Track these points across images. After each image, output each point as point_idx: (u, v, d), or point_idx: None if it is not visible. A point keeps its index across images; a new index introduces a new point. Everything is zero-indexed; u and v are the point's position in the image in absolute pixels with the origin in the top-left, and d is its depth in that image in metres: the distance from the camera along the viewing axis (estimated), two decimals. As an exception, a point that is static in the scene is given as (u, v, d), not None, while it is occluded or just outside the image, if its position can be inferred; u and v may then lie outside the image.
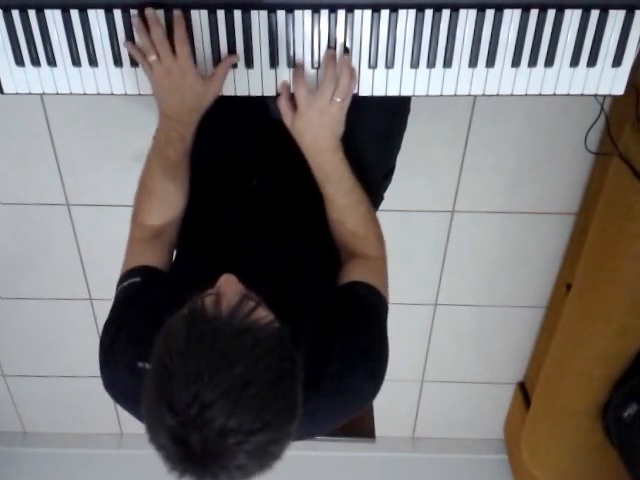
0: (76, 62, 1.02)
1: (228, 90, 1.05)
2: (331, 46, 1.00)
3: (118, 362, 0.95)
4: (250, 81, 1.04)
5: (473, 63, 1.02)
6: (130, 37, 0.99)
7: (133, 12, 0.97)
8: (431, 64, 1.02)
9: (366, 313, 1.01)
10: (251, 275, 0.85)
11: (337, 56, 1.00)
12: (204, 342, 0.70)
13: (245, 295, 0.77)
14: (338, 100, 0.98)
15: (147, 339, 0.92)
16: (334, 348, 0.94)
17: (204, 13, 0.98)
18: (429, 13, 0.97)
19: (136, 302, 1.00)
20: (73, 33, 0.99)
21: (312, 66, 1.02)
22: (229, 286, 0.81)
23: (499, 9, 0.97)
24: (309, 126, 0.99)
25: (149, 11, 0.95)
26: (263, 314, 0.76)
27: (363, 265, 1.09)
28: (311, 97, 0.98)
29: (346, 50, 1.00)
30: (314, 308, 0.98)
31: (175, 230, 1.15)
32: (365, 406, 1.02)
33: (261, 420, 0.70)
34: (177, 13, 0.96)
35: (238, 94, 1.05)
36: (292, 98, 1.01)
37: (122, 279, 1.05)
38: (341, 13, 0.97)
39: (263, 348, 0.72)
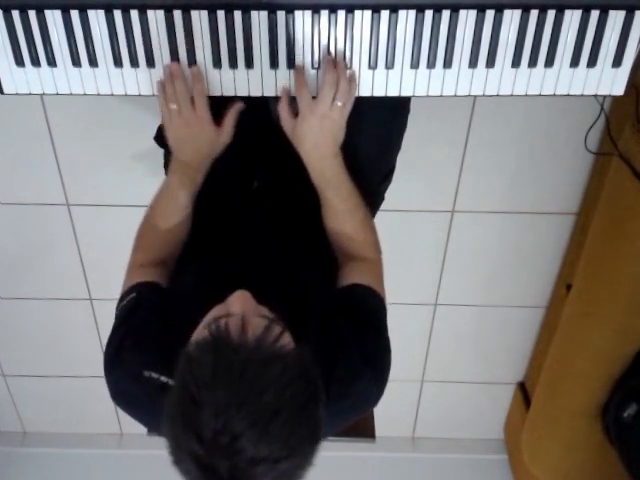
0: (76, 62, 1.02)
1: (228, 91, 1.05)
2: (330, 51, 1.00)
3: (123, 371, 0.94)
4: (250, 81, 1.04)
5: (473, 64, 1.02)
6: (130, 38, 0.99)
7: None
8: (431, 65, 1.02)
9: (368, 316, 1.01)
10: (254, 282, 0.85)
11: (336, 60, 1.00)
12: (232, 372, 0.70)
13: (272, 320, 0.77)
14: (339, 104, 0.98)
15: (151, 348, 0.93)
16: (338, 353, 0.94)
17: (204, 13, 0.98)
18: (429, 14, 0.97)
19: (138, 312, 1.00)
20: (73, 33, 0.99)
21: (312, 66, 1.02)
22: (245, 304, 0.80)
23: (499, 10, 0.97)
24: (310, 132, 1.00)
25: (174, 65, 1.00)
26: (287, 340, 0.76)
27: (361, 268, 1.10)
28: (312, 102, 0.98)
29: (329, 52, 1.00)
30: (316, 312, 0.98)
31: (175, 260, 1.16)
32: (370, 408, 1.02)
33: (288, 447, 0.70)
34: (194, 70, 1.00)
35: (238, 94, 1.05)
36: (291, 103, 1.01)
37: (121, 299, 1.06)
38: (341, 13, 0.97)
39: (290, 375, 0.71)
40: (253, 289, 0.84)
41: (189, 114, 1.01)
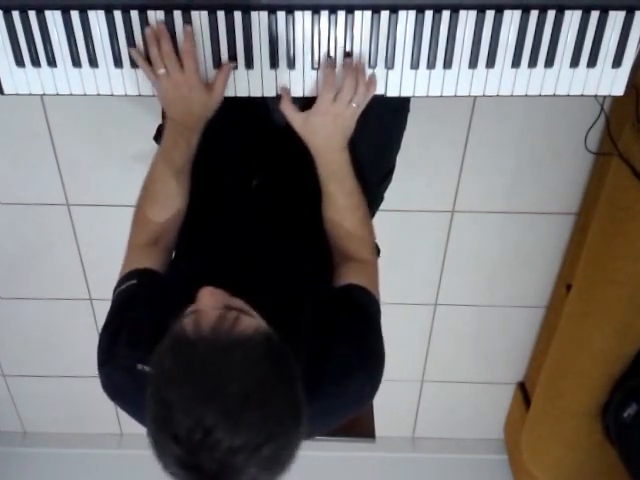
0: (76, 63, 1.02)
1: (228, 91, 1.05)
2: (351, 53, 1.01)
3: (117, 365, 0.94)
4: (250, 82, 1.04)
5: (473, 64, 1.02)
6: (130, 39, 0.99)
7: (146, 22, 0.99)
8: (431, 65, 1.02)
9: (361, 315, 1.01)
10: (248, 278, 0.85)
11: (356, 63, 1.01)
12: (194, 367, 0.70)
13: (225, 307, 0.76)
14: (354, 106, 1.00)
15: (146, 342, 0.92)
16: (332, 351, 0.94)
17: (204, 13, 0.98)
18: (429, 14, 0.97)
19: (134, 304, 1.00)
20: (73, 34, 0.99)
21: (312, 67, 1.02)
22: (209, 299, 0.79)
23: (499, 10, 0.97)
24: (323, 128, 1.01)
25: (160, 25, 0.98)
26: (246, 322, 0.75)
27: (357, 268, 1.10)
28: (331, 101, 0.99)
29: (348, 55, 1.02)
30: (311, 310, 0.98)
31: (173, 236, 1.15)
32: (364, 406, 1.02)
33: (265, 432, 0.69)
34: (187, 28, 0.98)
35: (238, 95, 1.05)
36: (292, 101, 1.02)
37: (119, 283, 1.05)
38: (341, 14, 0.97)
39: (254, 359, 0.71)
40: (248, 286, 0.84)
41: (178, 76, 0.99)
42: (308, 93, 1.05)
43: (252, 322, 0.76)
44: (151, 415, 0.73)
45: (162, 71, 0.99)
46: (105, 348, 0.97)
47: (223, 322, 0.73)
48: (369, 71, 1.03)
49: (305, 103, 1.06)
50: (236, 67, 1.03)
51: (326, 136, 1.02)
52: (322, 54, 1.01)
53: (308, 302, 1.00)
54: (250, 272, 1.00)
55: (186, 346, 0.72)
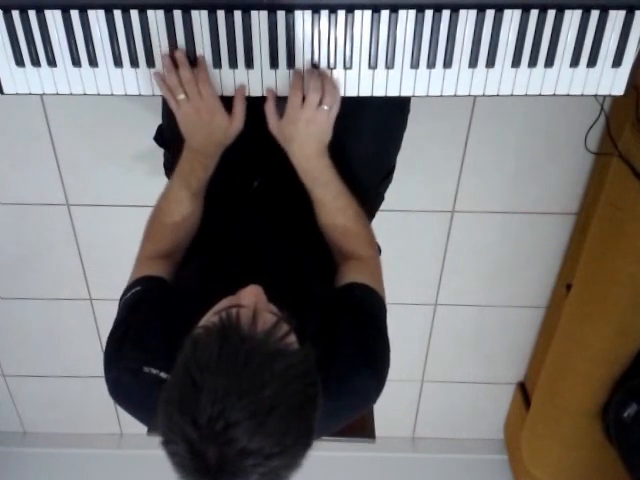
0: (76, 62, 1.02)
1: (228, 91, 1.05)
2: (313, 60, 1.01)
3: (123, 366, 0.94)
4: (250, 81, 1.04)
5: (473, 63, 1.02)
6: (130, 39, 0.99)
7: (163, 52, 1.00)
8: (431, 64, 1.02)
9: (366, 314, 1.01)
10: (257, 281, 0.85)
11: (319, 68, 1.01)
12: (237, 361, 0.69)
13: (281, 318, 0.77)
14: (325, 108, 0.99)
15: (153, 344, 0.93)
16: (337, 351, 0.94)
17: (204, 13, 0.98)
18: (429, 13, 0.97)
19: (140, 308, 1.00)
20: (73, 33, 0.99)
21: (312, 66, 1.02)
22: (257, 298, 0.80)
23: (499, 9, 0.97)
24: (296, 134, 1.01)
25: (179, 53, 0.99)
26: (293, 339, 0.76)
27: (358, 266, 1.10)
28: (299, 106, 0.99)
29: (315, 66, 1.02)
30: (316, 311, 0.98)
31: (183, 252, 1.16)
32: (368, 407, 1.02)
33: (281, 444, 0.69)
34: (200, 55, 1.00)
35: (238, 94, 1.05)
36: (279, 103, 1.02)
37: (125, 292, 1.05)
38: (341, 13, 0.97)
39: (293, 374, 0.71)
40: (260, 284, 0.85)
41: (198, 102, 1.00)
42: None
43: (295, 342, 0.77)
44: (174, 389, 0.72)
45: (182, 97, 1.00)
46: (111, 352, 0.97)
47: (277, 330, 0.74)
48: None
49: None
50: (247, 92, 1.03)
51: (300, 144, 1.02)
52: (322, 54, 1.01)
53: (313, 303, 1.00)
54: (256, 274, 1.00)
55: (236, 338, 0.71)
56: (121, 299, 1.05)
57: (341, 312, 0.99)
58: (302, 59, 1.02)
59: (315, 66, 1.02)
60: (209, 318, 0.81)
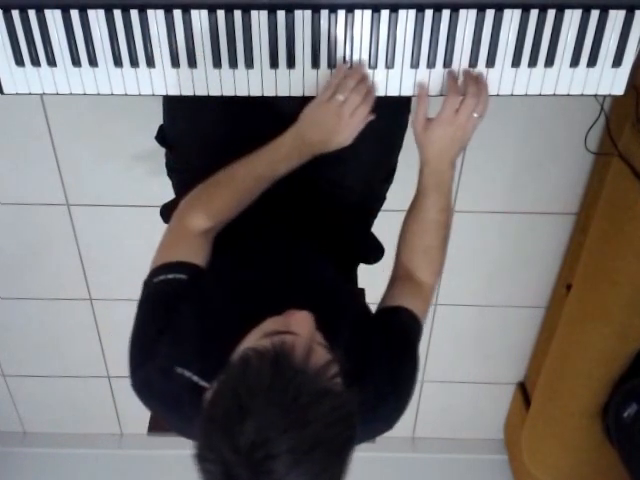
0: (76, 62, 1.02)
1: (228, 91, 1.05)
2: (471, 65, 1.01)
3: (154, 364, 0.91)
4: (250, 81, 1.04)
5: (473, 63, 1.02)
6: (130, 38, 0.99)
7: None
8: (431, 64, 1.02)
9: (406, 342, 1.01)
10: (294, 296, 0.85)
11: (479, 75, 1.01)
12: (287, 393, 0.69)
13: (333, 359, 0.76)
14: (476, 116, 0.99)
15: (188, 345, 0.90)
16: (368, 374, 0.93)
17: (204, 13, 0.98)
18: (429, 13, 0.97)
19: (182, 304, 0.95)
20: (73, 33, 0.99)
21: (312, 66, 1.02)
22: (308, 327, 0.80)
23: (499, 9, 0.97)
24: (442, 139, 1.01)
25: (367, 71, 1.01)
26: (339, 381, 0.76)
27: (414, 291, 1.09)
28: (454, 112, 0.98)
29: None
30: (347, 327, 0.97)
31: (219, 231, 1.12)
32: (388, 430, 1.02)
33: None
34: (370, 83, 1.01)
35: (238, 94, 1.05)
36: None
37: (164, 269, 0.99)
38: (341, 13, 0.97)
39: (337, 416, 0.71)
40: (294, 303, 0.84)
41: (347, 113, 1.00)
42: (308, 93, 1.05)
43: (342, 383, 0.76)
44: (218, 409, 0.72)
45: (341, 97, 0.99)
46: (146, 345, 0.93)
47: (328, 369, 0.73)
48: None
49: (305, 103, 1.06)
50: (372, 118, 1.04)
51: (442, 148, 1.02)
52: (322, 54, 1.01)
53: (344, 318, 0.98)
54: (294, 289, 1.00)
55: (289, 370, 0.71)
56: (157, 274, 0.99)
57: (381, 333, 0.99)
58: (302, 59, 1.02)
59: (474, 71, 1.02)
60: (259, 339, 0.80)
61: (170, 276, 0.98)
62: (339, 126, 1.01)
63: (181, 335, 0.92)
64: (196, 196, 1.08)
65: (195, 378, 0.88)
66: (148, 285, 0.99)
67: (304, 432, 0.68)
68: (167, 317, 0.94)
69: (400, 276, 1.13)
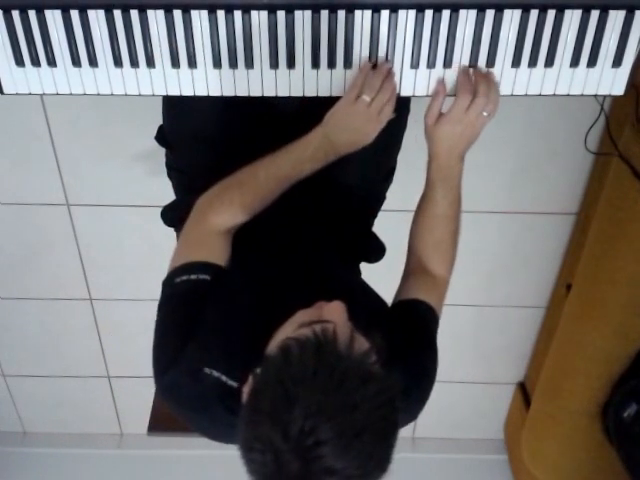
0: (76, 62, 1.02)
1: (228, 90, 1.05)
2: (472, 65, 1.01)
3: (183, 368, 0.90)
4: (250, 81, 1.04)
5: (473, 63, 1.02)
6: (130, 38, 0.99)
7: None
8: (431, 64, 1.02)
9: (424, 335, 1.03)
10: (320, 291, 0.86)
11: (488, 72, 1.01)
12: (332, 379, 0.70)
13: (372, 345, 0.77)
14: (485, 115, 0.99)
15: (215, 345, 0.90)
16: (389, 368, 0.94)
17: (204, 13, 0.98)
18: (429, 13, 0.97)
19: (206, 305, 0.94)
20: (73, 33, 0.99)
21: (312, 66, 1.02)
22: (340, 314, 0.80)
23: (499, 9, 0.97)
24: (451, 136, 1.01)
25: (392, 70, 1.01)
26: (379, 366, 0.76)
27: (429, 285, 1.10)
28: (464, 110, 0.99)
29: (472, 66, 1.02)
30: (370, 319, 0.95)
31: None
32: (412, 421, 1.02)
33: (363, 468, 0.70)
34: (394, 80, 1.01)
35: (238, 94, 1.05)
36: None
37: (187, 269, 0.98)
38: (341, 13, 0.97)
39: (382, 399, 0.71)
40: (318, 297, 0.85)
41: (375, 114, 1.00)
42: (308, 93, 1.05)
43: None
44: (264, 399, 0.72)
45: (367, 98, 0.99)
46: (172, 351, 0.91)
47: (371, 354, 0.74)
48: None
49: (305, 103, 1.06)
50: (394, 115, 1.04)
51: (450, 144, 1.02)
52: (322, 54, 1.01)
53: (366, 312, 0.97)
54: (310, 282, 1.00)
55: (333, 356, 0.72)
56: (180, 274, 0.97)
57: (398, 325, 0.99)
58: (302, 59, 1.02)
59: (472, 66, 1.02)
60: (297, 330, 0.80)
61: (193, 277, 0.97)
62: (367, 127, 1.02)
63: (207, 336, 0.92)
64: (217, 195, 1.07)
65: (224, 378, 0.88)
66: (170, 285, 0.98)
67: (351, 417, 0.69)
68: (191, 319, 0.93)
69: (414, 270, 1.13)
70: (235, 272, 1.01)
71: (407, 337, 0.99)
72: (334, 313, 0.80)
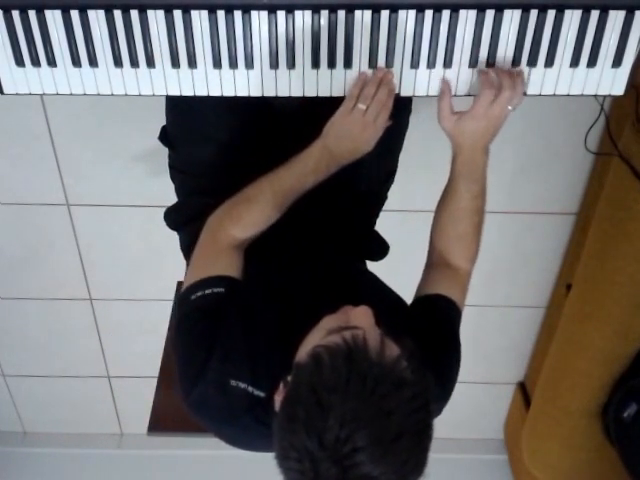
0: (76, 62, 1.02)
1: (228, 90, 1.05)
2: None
3: (209, 381, 0.91)
4: (250, 81, 1.04)
5: (473, 63, 1.02)
6: (130, 38, 0.99)
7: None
8: (431, 64, 1.02)
9: (448, 331, 1.02)
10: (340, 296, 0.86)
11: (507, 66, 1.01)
12: (365, 386, 0.70)
13: (404, 352, 0.77)
14: (510, 108, 1.00)
15: (238, 357, 0.91)
16: None
17: (204, 13, 0.98)
18: (429, 13, 0.97)
19: (225, 317, 0.95)
20: (73, 33, 0.99)
21: (311, 67, 1.02)
22: (368, 319, 0.80)
23: (499, 9, 0.97)
24: (475, 130, 1.01)
25: (390, 75, 1.01)
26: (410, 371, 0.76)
27: (452, 279, 1.11)
28: (489, 104, 0.99)
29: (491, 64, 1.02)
30: (394, 319, 0.96)
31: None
32: (436, 417, 1.02)
33: (400, 472, 0.70)
34: (390, 85, 1.01)
35: (238, 94, 1.05)
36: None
37: (202, 285, 0.99)
38: (341, 13, 0.97)
39: (417, 404, 0.71)
40: (340, 302, 0.85)
41: (371, 121, 1.01)
42: (308, 93, 1.05)
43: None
44: (299, 408, 0.72)
45: (362, 107, 1.00)
46: (197, 365, 0.92)
47: (402, 360, 0.74)
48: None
49: (305, 103, 1.06)
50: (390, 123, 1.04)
51: (474, 138, 1.02)
52: (322, 54, 1.01)
53: (389, 313, 0.97)
54: (328, 287, 1.00)
55: (364, 363, 0.72)
56: (195, 290, 0.98)
57: (421, 323, 0.99)
58: (302, 59, 1.02)
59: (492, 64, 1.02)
60: (325, 337, 0.80)
61: (208, 291, 0.98)
62: (364, 134, 1.02)
63: (229, 348, 0.92)
64: (226, 212, 1.08)
65: (250, 389, 0.89)
66: (186, 303, 0.98)
67: (386, 423, 0.69)
68: (212, 333, 0.93)
69: (435, 263, 1.14)
70: (252, 284, 1.02)
71: (431, 337, 0.98)
72: (362, 318, 0.80)
